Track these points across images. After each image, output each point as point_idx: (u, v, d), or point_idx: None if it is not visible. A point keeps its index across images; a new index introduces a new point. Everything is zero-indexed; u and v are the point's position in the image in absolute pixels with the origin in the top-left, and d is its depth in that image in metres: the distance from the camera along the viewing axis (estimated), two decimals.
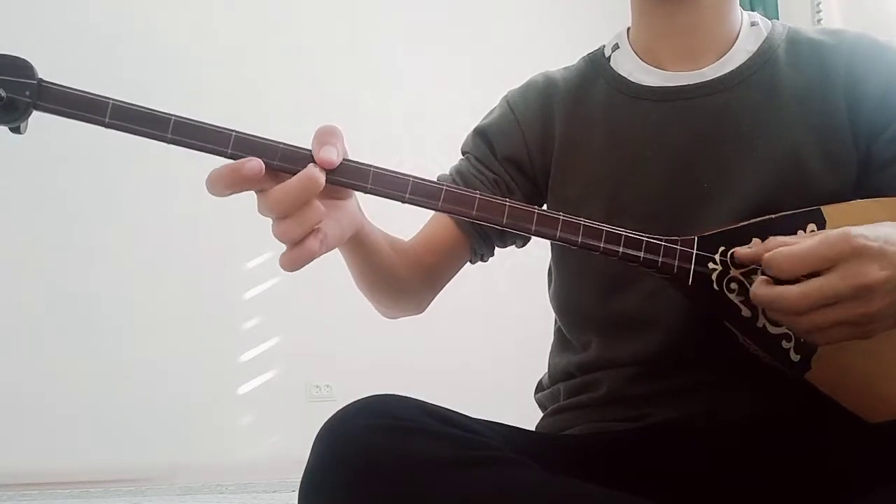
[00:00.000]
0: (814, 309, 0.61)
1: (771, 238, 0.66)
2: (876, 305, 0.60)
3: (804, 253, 0.61)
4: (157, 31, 3.05)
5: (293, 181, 0.57)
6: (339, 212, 0.64)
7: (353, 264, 0.78)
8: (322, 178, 0.57)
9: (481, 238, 0.89)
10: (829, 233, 0.62)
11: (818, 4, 2.84)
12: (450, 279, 0.92)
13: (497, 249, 0.93)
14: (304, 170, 0.57)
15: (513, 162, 0.89)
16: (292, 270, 0.59)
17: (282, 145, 0.60)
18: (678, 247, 0.68)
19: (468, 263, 0.93)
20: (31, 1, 2.94)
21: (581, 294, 0.86)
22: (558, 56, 0.99)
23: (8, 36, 2.73)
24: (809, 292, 0.60)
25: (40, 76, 0.57)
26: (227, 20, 3.14)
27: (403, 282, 0.84)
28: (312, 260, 0.59)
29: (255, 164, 0.56)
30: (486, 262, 0.93)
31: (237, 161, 0.57)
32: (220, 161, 0.59)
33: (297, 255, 0.58)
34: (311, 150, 0.60)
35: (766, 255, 0.63)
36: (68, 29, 2.90)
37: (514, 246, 0.93)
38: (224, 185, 0.57)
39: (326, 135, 0.60)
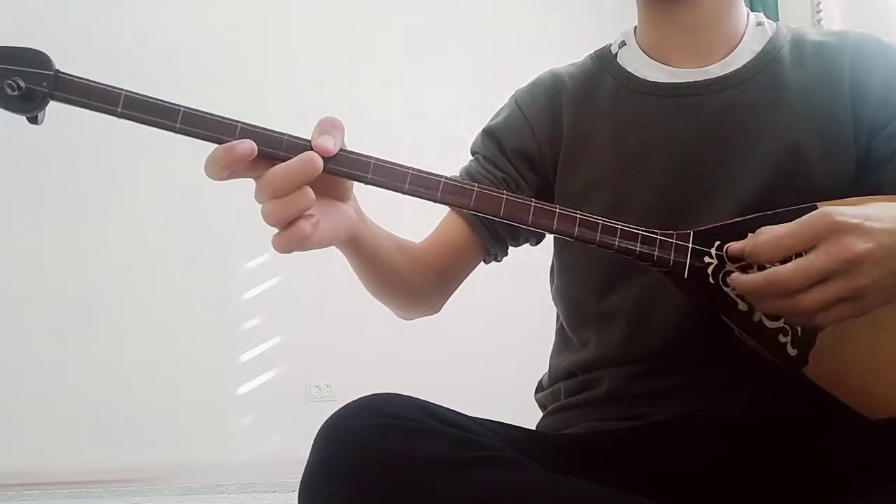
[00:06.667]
0: (808, 286, 0.61)
1: (760, 230, 0.67)
2: (866, 278, 0.60)
3: (783, 235, 0.62)
4: (157, 32, 3.05)
5: (291, 162, 0.58)
6: (336, 211, 0.65)
7: (357, 267, 0.79)
8: (320, 162, 0.59)
9: (494, 238, 0.89)
10: (808, 215, 0.63)
11: (818, 4, 2.84)
12: (464, 279, 0.92)
13: (510, 249, 0.93)
14: (303, 153, 0.59)
15: (523, 157, 0.89)
16: (283, 252, 0.60)
17: (286, 136, 0.61)
18: (674, 241, 0.68)
19: (481, 263, 0.93)
20: (36, 3, 2.94)
21: (580, 288, 0.86)
22: (558, 56, 0.99)
23: (13, 36, 2.73)
24: (799, 268, 0.61)
25: (57, 68, 0.59)
26: (226, 20, 3.14)
27: (414, 284, 0.85)
28: (305, 244, 0.60)
29: (247, 144, 0.58)
30: (499, 261, 0.94)
31: (231, 142, 0.58)
32: None
33: (290, 235, 0.59)
34: (299, 141, 0.61)
35: (748, 247, 0.64)
36: (71, 30, 2.91)
37: (528, 244, 0.94)
38: (219, 166, 0.58)
39: (327, 125, 0.61)
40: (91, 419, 2.80)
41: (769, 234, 0.64)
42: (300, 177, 0.58)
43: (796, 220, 0.63)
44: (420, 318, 0.94)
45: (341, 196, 0.66)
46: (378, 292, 0.84)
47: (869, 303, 0.62)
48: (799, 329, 0.68)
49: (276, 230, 0.60)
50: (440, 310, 0.93)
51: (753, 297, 0.66)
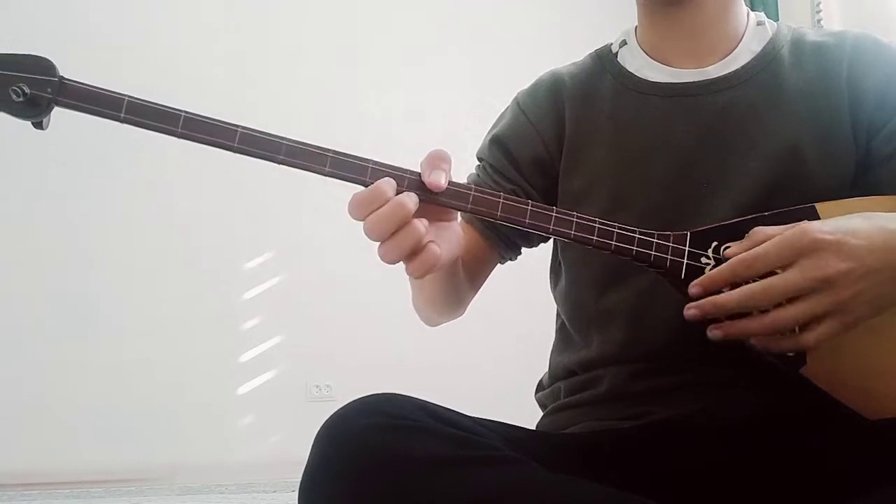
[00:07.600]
0: (779, 303, 0.63)
1: (754, 230, 0.67)
2: (845, 294, 0.62)
3: (762, 254, 0.64)
4: (157, 32, 3.05)
5: (385, 207, 0.60)
6: (450, 232, 0.67)
7: (442, 281, 0.81)
8: (412, 201, 0.60)
9: (507, 246, 0.91)
10: (787, 231, 0.64)
11: (818, 4, 2.84)
12: (486, 279, 0.94)
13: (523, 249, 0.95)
14: (394, 199, 0.60)
15: (534, 164, 0.89)
16: (421, 277, 0.62)
17: (286, 142, 0.62)
18: (670, 242, 0.69)
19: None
20: (38, 5, 2.94)
21: (581, 286, 0.86)
22: (558, 56, 0.99)
23: (13, 36, 2.73)
24: (769, 286, 0.63)
25: (61, 74, 0.60)
26: (227, 21, 3.15)
27: (463, 290, 0.87)
28: (438, 266, 0.62)
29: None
30: (514, 260, 0.95)
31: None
32: (229, 157, 0.61)
33: (423, 263, 0.61)
34: (297, 145, 0.62)
35: (732, 261, 0.65)
36: (73, 32, 2.91)
37: (542, 243, 0.95)
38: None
39: (437, 159, 0.64)
40: (91, 419, 2.80)
41: (749, 254, 0.64)
42: (397, 218, 0.59)
43: (776, 238, 0.64)
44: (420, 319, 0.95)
45: (450, 216, 0.68)
46: (444, 303, 0.87)
47: (856, 315, 0.63)
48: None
49: (379, 254, 0.61)
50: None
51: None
